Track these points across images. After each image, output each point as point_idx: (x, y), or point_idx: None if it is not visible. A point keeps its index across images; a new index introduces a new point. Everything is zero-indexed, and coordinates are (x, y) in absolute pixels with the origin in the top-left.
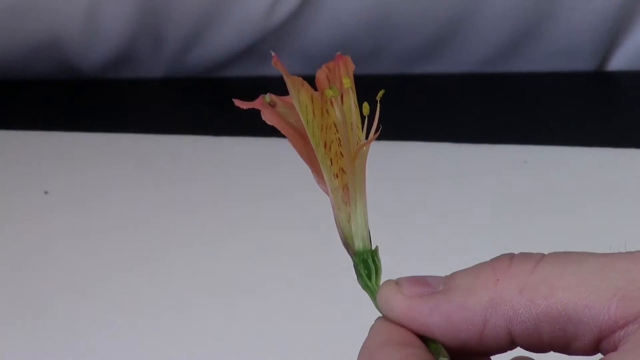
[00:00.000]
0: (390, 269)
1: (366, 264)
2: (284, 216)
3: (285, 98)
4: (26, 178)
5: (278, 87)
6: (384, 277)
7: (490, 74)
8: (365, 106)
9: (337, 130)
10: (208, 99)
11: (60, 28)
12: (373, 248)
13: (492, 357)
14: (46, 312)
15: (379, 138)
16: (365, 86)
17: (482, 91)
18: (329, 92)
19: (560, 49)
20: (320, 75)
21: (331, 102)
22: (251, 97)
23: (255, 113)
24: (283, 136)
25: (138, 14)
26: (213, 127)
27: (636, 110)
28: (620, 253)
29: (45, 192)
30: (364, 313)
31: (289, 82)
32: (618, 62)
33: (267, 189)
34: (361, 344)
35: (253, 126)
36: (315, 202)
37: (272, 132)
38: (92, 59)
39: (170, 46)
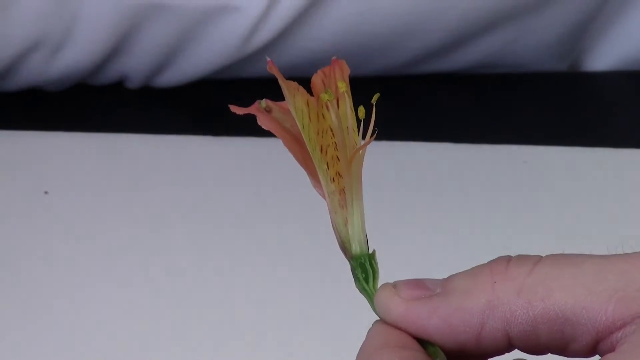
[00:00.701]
0: (387, 272)
1: (363, 268)
2: (281, 219)
3: (281, 103)
4: (26, 178)
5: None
6: (381, 280)
7: (489, 75)
8: (361, 110)
9: (333, 134)
10: (204, 101)
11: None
12: (370, 251)
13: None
14: (46, 313)
15: (377, 138)
16: (363, 87)
17: (481, 91)
18: (325, 96)
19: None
20: (316, 79)
21: (327, 107)
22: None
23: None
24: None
25: (102, 52)
26: (212, 127)
27: (633, 110)
28: (617, 255)
29: (45, 192)
30: (362, 316)
31: (285, 87)
32: (601, 62)
33: (263, 191)
34: (359, 348)
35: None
36: (312, 205)
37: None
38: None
39: (134, 79)
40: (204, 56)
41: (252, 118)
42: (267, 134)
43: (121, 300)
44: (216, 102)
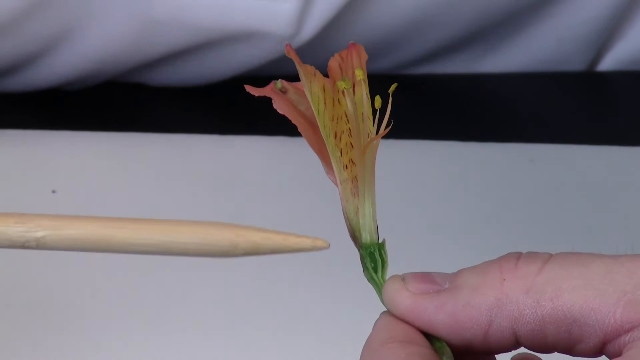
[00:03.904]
0: (396, 265)
1: (372, 257)
2: (287, 218)
3: (297, 84)
4: (34, 177)
5: None
6: (389, 273)
7: (493, 73)
8: (377, 99)
9: (348, 120)
10: (217, 99)
11: None
12: (380, 241)
13: (496, 356)
14: (51, 312)
15: (385, 136)
16: (372, 84)
17: (486, 89)
18: (341, 84)
19: (554, 44)
20: (333, 63)
21: (343, 93)
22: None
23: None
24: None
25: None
26: (224, 126)
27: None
28: (627, 255)
29: (53, 192)
30: (370, 308)
31: (302, 71)
32: (610, 62)
33: (271, 190)
34: (365, 339)
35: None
36: (319, 204)
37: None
38: None
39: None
40: (233, 59)
41: (262, 117)
42: (276, 132)
43: (126, 298)
44: (230, 101)
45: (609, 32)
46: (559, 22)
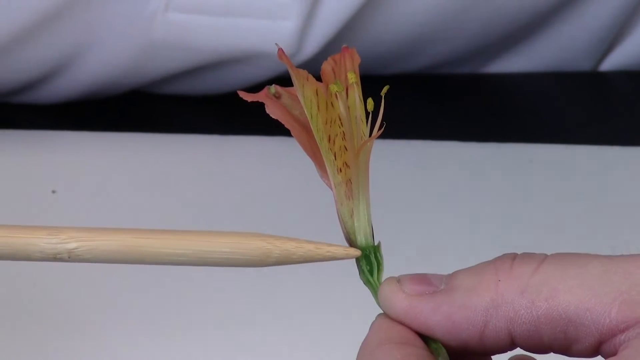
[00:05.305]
0: (392, 267)
1: (368, 260)
2: (285, 217)
3: (290, 89)
4: (34, 177)
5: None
6: (385, 274)
7: (493, 73)
8: (370, 102)
9: (341, 123)
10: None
11: None
12: (376, 243)
13: (492, 357)
14: (53, 314)
15: (383, 136)
16: (371, 85)
17: (486, 90)
18: (334, 87)
19: (559, 50)
20: (326, 67)
21: (336, 96)
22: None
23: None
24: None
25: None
26: (224, 127)
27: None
28: (623, 256)
29: (53, 192)
30: (366, 310)
31: (294, 75)
32: (610, 66)
33: (271, 190)
34: (361, 341)
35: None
36: (316, 201)
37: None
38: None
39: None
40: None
41: (262, 116)
42: (276, 132)
43: (127, 301)
44: (229, 101)
45: (611, 40)
46: (562, 31)
